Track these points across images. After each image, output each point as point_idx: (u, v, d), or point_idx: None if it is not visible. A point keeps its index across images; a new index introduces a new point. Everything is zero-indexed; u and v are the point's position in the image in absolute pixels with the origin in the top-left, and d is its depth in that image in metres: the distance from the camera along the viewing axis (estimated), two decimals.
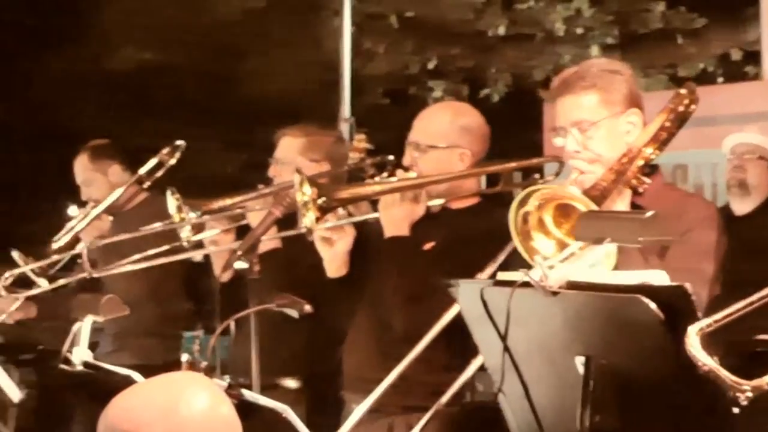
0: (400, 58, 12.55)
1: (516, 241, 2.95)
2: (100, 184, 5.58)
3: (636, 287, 2.37)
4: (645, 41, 11.70)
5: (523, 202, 2.91)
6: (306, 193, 3.65)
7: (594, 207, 2.82)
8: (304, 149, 4.48)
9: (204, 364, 7.29)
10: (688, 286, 2.32)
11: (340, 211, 3.96)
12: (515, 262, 3.00)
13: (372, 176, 4.28)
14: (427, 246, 3.93)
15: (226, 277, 4.37)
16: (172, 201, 4.30)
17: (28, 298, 5.23)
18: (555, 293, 2.50)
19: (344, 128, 8.20)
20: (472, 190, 3.99)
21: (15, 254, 4.85)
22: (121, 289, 4.94)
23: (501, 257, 3.30)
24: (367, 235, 4.14)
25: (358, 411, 3.37)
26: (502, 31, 11.82)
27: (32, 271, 4.88)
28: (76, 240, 5.35)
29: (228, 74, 14.85)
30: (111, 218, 5.47)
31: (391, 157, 4.27)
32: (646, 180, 3.14)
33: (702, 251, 3.07)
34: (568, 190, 2.93)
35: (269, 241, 4.21)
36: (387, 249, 3.92)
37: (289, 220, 4.04)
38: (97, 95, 15.07)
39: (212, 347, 3.44)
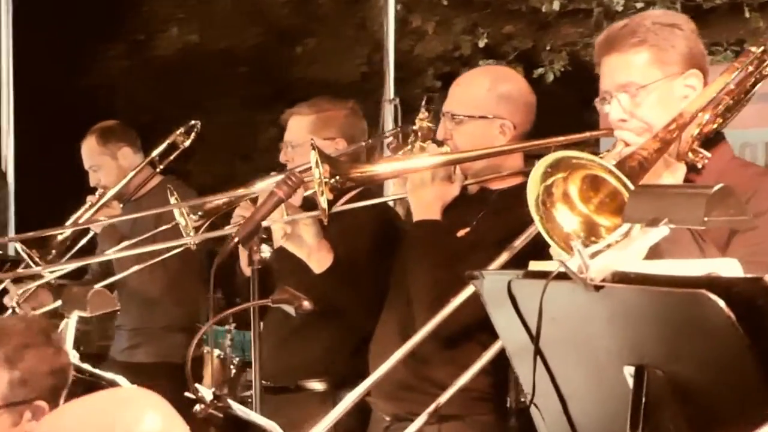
0: (451, 37, 12.12)
1: (534, 216, 2.49)
2: (110, 169, 5.26)
3: (700, 280, 1.88)
4: (709, 16, 11.18)
5: (546, 172, 2.43)
6: (320, 171, 3.23)
7: (626, 180, 2.31)
8: (314, 127, 4.11)
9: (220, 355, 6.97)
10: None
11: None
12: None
13: (395, 149, 3.89)
14: (462, 232, 3.49)
15: (248, 270, 4.03)
16: (172, 202, 4.09)
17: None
18: (598, 287, 2.01)
19: (388, 110, 7.83)
20: (514, 168, 3.52)
21: (18, 246, 4.53)
22: (138, 282, 4.75)
23: (519, 243, 2.86)
24: (368, 217, 3.81)
25: (348, 399, 2.91)
26: (557, 7, 11.36)
27: (34, 261, 4.55)
28: (84, 228, 5.04)
29: (275, 57, 14.64)
30: (121, 206, 5.15)
31: (415, 127, 3.86)
32: (706, 153, 2.63)
33: None
34: (598, 159, 2.42)
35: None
36: (415, 234, 3.49)
37: None
38: (143, 78, 14.95)
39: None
